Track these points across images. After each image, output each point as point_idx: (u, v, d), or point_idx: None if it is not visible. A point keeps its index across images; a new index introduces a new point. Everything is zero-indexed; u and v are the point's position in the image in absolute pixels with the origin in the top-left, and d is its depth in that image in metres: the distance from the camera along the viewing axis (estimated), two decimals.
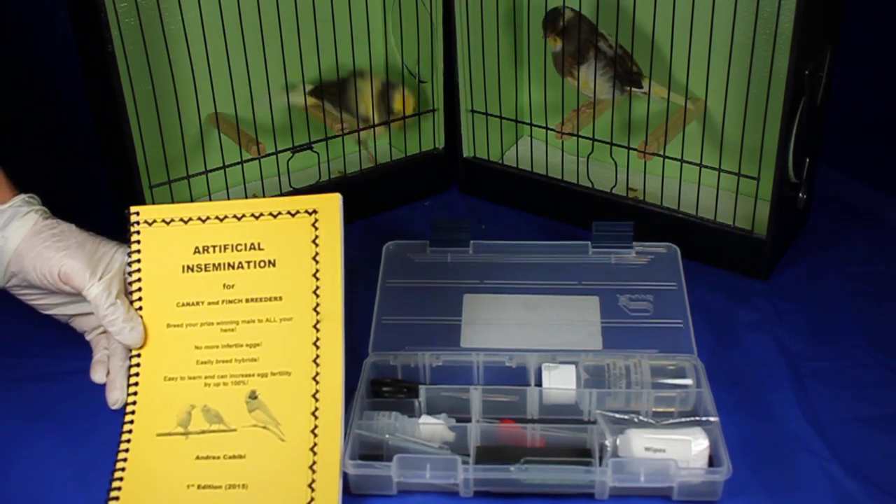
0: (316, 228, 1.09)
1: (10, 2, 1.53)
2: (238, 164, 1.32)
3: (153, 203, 1.27)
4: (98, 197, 1.44)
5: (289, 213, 1.10)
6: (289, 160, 1.34)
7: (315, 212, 1.10)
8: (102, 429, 1.08)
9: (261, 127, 1.34)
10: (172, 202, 1.29)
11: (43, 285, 1.09)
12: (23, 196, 1.12)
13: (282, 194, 1.35)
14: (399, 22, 1.40)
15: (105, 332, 1.11)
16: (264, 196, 1.35)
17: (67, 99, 1.55)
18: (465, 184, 1.48)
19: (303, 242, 1.09)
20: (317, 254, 1.09)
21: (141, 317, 1.08)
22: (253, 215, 1.10)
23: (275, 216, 1.10)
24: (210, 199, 1.32)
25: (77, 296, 1.09)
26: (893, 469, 1.03)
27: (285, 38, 1.30)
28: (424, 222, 1.28)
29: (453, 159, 1.47)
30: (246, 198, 1.33)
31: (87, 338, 1.15)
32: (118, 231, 1.36)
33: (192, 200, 1.33)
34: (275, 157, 1.34)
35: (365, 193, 1.41)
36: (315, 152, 1.36)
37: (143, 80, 1.22)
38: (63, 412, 1.11)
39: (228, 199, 1.35)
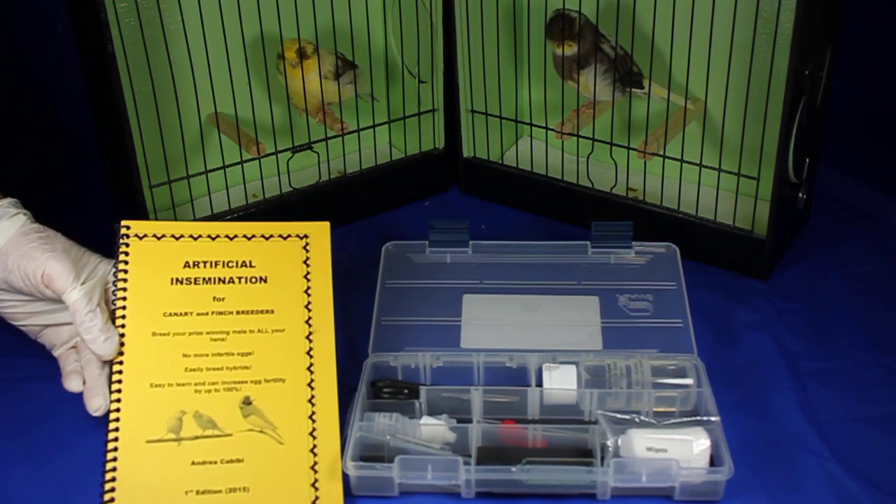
0: (307, 251, 1.12)
1: (10, 2, 1.53)
2: (238, 164, 1.32)
3: (153, 202, 1.27)
4: (98, 197, 1.44)
5: (280, 236, 1.12)
6: (289, 160, 1.34)
7: (306, 237, 1.12)
8: (101, 429, 1.06)
9: (261, 127, 1.34)
10: (172, 202, 1.30)
11: (24, 287, 1.07)
12: (10, 199, 1.11)
13: (282, 194, 1.35)
14: (399, 22, 1.40)
15: (74, 346, 1.10)
16: (264, 196, 1.35)
17: (67, 99, 1.54)
18: (465, 184, 1.48)
19: (294, 262, 1.11)
20: (308, 273, 1.11)
21: (123, 325, 1.07)
22: (245, 236, 1.12)
23: (266, 238, 1.12)
24: (210, 199, 1.32)
25: (54, 303, 1.08)
26: (893, 469, 1.03)
27: (285, 38, 1.30)
28: (424, 222, 1.28)
29: (453, 159, 1.47)
30: (246, 198, 1.34)
31: (56, 353, 1.12)
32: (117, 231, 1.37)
33: (192, 200, 1.33)
34: (275, 157, 1.34)
35: (365, 193, 1.41)
36: (315, 152, 1.36)
37: (143, 80, 1.22)
38: (62, 413, 1.11)
39: (228, 198, 1.35)
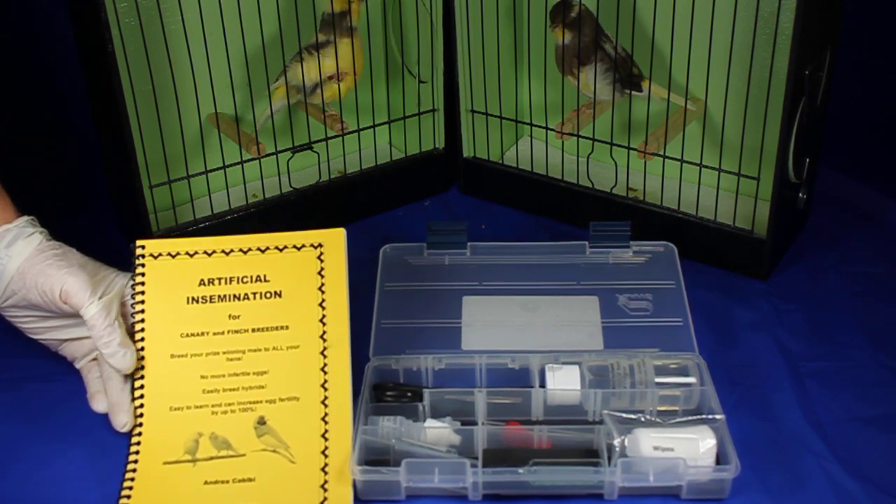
0: (321, 261, 1.11)
1: (10, 2, 1.52)
2: (238, 164, 1.32)
3: (153, 202, 1.26)
4: (98, 197, 1.44)
5: (294, 246, 1.12)
6: (289, 160, 1.34)
7: (320, 245, 1.12)
8: (102, 429, 1.08)
9: (261, 127, 1.33)
10: (172, 202, 1.29)
11: (42, 304, 1.08)
12: (26, 217, 1.12)
13: (282, 194, 1.35)
14: (399, 22, 1.40)
15: (95, 359, 1.11)
16: (264, 196, 1.35)
17: (67, 100, 1.54)
18: (465, 184, 1.48)
19: (309, 274, 1.11)
20: (322, 284, 1.10)
21: (143, 347, 1.08)
22: (259, 249, 1.12)
23: (280, 250, 1.12)
24: (210, 199, 1.32)
25: (73, 318, 1.09)
26: (893, 469, 1.03)
27: (285, 38, 1.30)
28: (424, 223, 1.28)
29: (453, 159, 1.46)
30: (246, 198, 1.33)
31: (78, 365, 1.13)
32: (117, 231, 1.37)
33: (192, 200, 1.33)
34: (275, 157, 1.33)
35: (365, 193, 1.41)
36: (315, 152, 1.35)
37: (143, 80, 1.22)
38: (63, 413, 1.11)
39: (228, 198, 1.35)
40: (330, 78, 1.32)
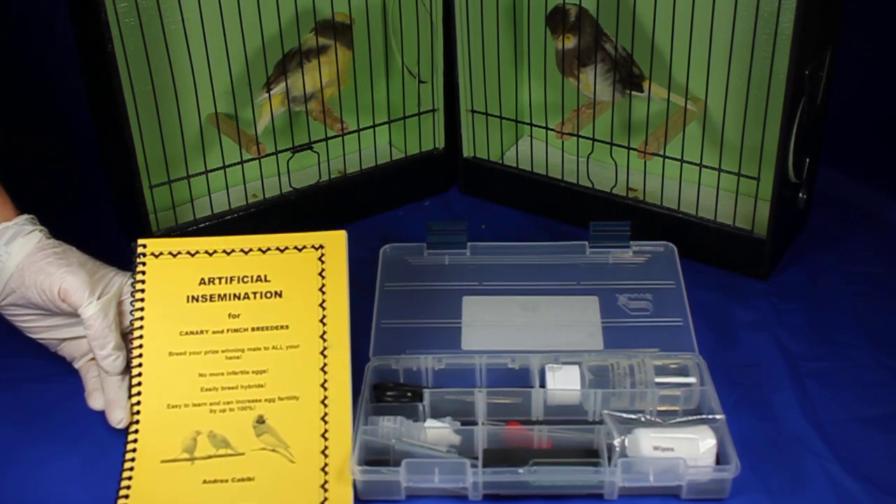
0: (322, 262, 1.12)
1: (10, 2, 1.52)
2: (238, 164, 1.32)
3: (153, 202, 1.26)
4: (98, 197, 1.44)
5: (295, 247, 1.12)
6: (289, 160, 1.34)
7: (322, 247, 1.12)
8: (101, 429, 1.07)
9: (261, 132, 1.33)
10: (172, 202, 1.29)
11: (41, 302, 1.08)
12: (26, 216, 1.12)
13: (282, 194, 1.35)
14: (399, 22, 1.40)
15: (94, 358, 1.11)
16: (264, 196, 1.35)
17: (67, 100, 1.54)
18: (465, 184, 1.48)
19: (309, 275, 1.11)
20: (323, 285, 1.11)
21: (141, 345, 1.08)
22: (260, 249, 1.12)
23: (282, 251, 1.12)
24: (210, 199, 1.32)
25: (71, 317, 1.09)
26: (893, 469, 1.03)
27: (286, 38, 1.30)
28: (424, 223, 1.28)
29: (453, 159, 1.46)
30: (246, 198, 1.33)
31: (77, 365, 1.13)
32: (117, 231, 1.37)
33: (192, 200, 1.33)
34: (275, 157, 1.33)
35: (365, 193, 1.41)
36: (315, 152, 1.35)
37: (143, 80, 1.22)
38: (62, 413, 1.11)
39: (228, 198, 1.35)
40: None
